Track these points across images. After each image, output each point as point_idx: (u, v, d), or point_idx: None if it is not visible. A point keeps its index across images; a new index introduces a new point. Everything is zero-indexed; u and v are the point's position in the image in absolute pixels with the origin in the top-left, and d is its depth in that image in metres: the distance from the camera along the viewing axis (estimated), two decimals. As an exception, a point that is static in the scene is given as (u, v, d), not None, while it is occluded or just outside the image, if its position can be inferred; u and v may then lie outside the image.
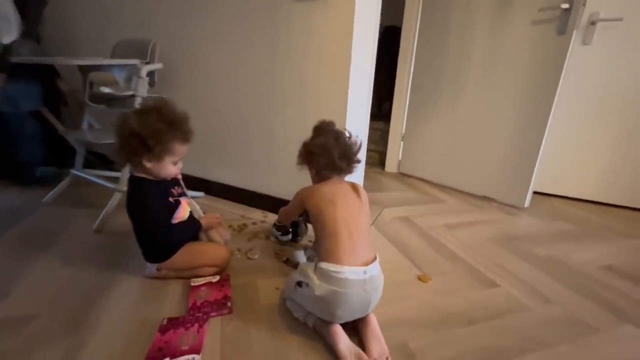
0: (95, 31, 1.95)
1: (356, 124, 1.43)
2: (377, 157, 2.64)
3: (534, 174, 1.77)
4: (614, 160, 1.89)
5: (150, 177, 1.03)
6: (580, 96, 1.88)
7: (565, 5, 1.55)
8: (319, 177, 1.07)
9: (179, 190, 1.12)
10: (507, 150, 1.86)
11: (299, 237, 1.36)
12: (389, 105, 2.46)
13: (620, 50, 1.77)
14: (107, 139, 1.38)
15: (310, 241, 1.37)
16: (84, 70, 1.53)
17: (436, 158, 2.19)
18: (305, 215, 1.13)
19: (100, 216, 1.38)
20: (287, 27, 1.38)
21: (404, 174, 2.40)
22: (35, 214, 1.50)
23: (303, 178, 1.12)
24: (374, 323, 0.87)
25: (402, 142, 2.39)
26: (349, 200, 0.97)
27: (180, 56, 1.68)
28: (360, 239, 0.88)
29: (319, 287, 0.82)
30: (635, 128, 1.81)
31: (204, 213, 1.37)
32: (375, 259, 0.87)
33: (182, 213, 1.08)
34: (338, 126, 1.10)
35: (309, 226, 1.37)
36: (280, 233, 1.35)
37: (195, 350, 0.80)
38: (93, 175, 1.57)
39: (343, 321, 0.86)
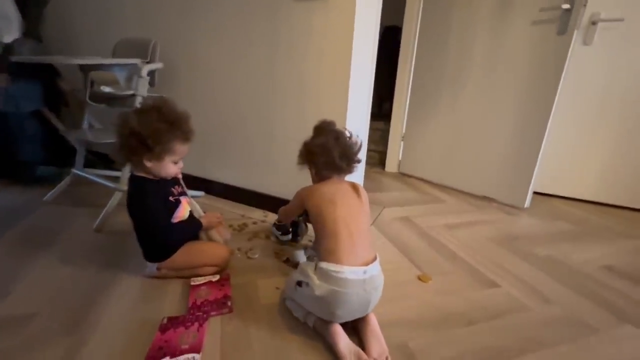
0: (95, 31, 1.95)
1: (356, 123, 1.43)
2: (378, 157, 2.64)
3: (534, 174, 1.77)
4: (614, 160, 1.89)
5: (151, 177, 1.03)
6: (580, 96, 1.88)
7: (566, 6, 1.55)
8: (319, 176, 1.07)
9: (179, 190, 1.12)
10: (508, 151, 1.86)
11: (299, 237, 1.36)
12: (389, 105, 2.46)
13: (621, 51, 1.77)
14: (107, 139, 1.38)
15: (310, 241, 1.37)
16: (85, 69, 1.53)
17: (436, 158, 2.19)
18: (305, 215, 1.13)
19: (101, 215, 1.38)
20: (288, 26, 1.38)
21: (404, 174, 2.40)
22: (35, 213, 1.50)
23: (303, 178, 1.12)
24: (373, 323, 0.87)
25: (402, 142, 2.39)
26: (349, 200, 0.97)
27: (180, 55, 1.68)
28: (360, 239, 0.89)
29: (319, 286, 0.82)
30: (635, 128, 1.81)
31: (204, 212, 1.37)
32: (375, 258, 0.87)
33: (183, 212, 1.08)
34: (338, 126, 1.10)
35: (309, 226, 1.37)
36: (280, 233, 1.35)
37: (195, 349, 0.80)
38: (93, 175, 1.57)
39: (343, 321, 0.86)
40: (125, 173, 1.43)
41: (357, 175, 1.46)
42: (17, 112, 1.66)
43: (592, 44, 1.80)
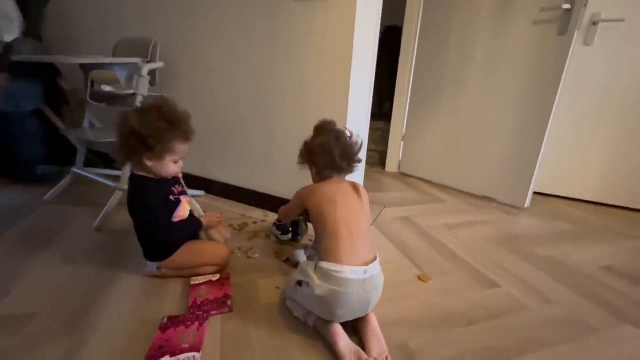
0: (96, 30, 1.95)
1: (357, 123, 1.43)
2: (378, 157, 2.64)
3: (535, 174, 1.77)
4: (614, 160, 1.89)
5: (151, 176, 1.03)
6: (580, 96, 1.88)
7: (567, 6, 1.55)
8: (320, 176, 1.07)
9: (180, 189, 1.12)
10: (508, 151, 1.86)
11: (299, 237, 1.36)
12: (389, 105, 2.46)
13: (621, 51, 1.76)
14: (108, 138, 1.38)
15: (311, 240, 1.37)
16: (86, 68, 1.53)
17: (437, 158, 2.19)
18: (306, 215, 1.13)
19: (101, 215, 1.38)
20: (288, 26, 1.38)
21: (404, 174, 2.40)
22: (36, 213, 1.50)
23: (303, 177, 1.12)
24: (374, 322, 0.87)
25: (402, 142, 2.39)
26: (349, 199, 0.97)
27: (181, 55, 1.68)
28: (361, 239, 0.89)
29: (319, 286, 0.82)
30: (635, 128, 1.81)
31: (205, 212, 1.37)
32: (375, 258, 0.87)
33: (183, 212, 1.08)
34: (339, 126, 1.10)
35: (309, 225, 1.37)
36: (280, 232, 1.35)
37: (196, 348, 0.80)
38: (94, 174, 1.57)
39: (343, 320, 0.86)
40: (125, 172, 1.43)
41: (358, 175, 1.46)
42: (17, 112, 1.66)
43: (593, 44, 1.80)
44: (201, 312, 0.93)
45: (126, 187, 1.22)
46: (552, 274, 1.23)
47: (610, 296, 1.12)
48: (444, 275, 1.19)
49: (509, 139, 1.85)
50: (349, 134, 1.06)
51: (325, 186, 1.00)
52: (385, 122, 2.56)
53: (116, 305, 0.96)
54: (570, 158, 1.98)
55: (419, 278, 1.17)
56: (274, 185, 1.61)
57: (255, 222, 1.53)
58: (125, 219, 1.07)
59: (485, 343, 0.89)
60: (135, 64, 1.47)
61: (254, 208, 1.67)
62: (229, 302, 0.98)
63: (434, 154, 2.21)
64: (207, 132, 1.69)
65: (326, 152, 1.01)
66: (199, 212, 1.43)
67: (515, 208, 1.85)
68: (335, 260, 0.83)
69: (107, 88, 1.46)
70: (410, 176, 2.35)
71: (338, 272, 0.81)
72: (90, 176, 1.56)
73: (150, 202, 1.01)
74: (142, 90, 1.41)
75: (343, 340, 0.82)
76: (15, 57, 1.52)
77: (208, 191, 1.80)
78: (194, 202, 1.44)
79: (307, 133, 1.11)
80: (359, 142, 1.06)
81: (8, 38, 1.65)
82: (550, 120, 1.69)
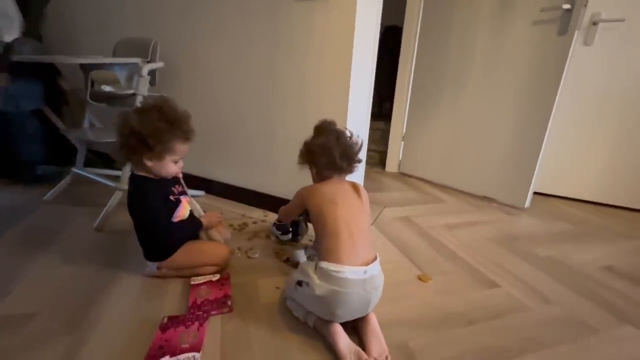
0: (96, 30, 1.95)
1: (357, 123, 1.43)
2: (378, 157, 2.64)
3: (535, 174, 1.77)
4: (614, 160, 1.89)
5: (151, 176, 1.03)
6: (580, 96, 1.88)
7: (567, 6, 1.55)
8: (320, 176, 1.07)
9: (180, 189, 1.12)
10: (508, 151, 1.86)
11: (299, 237, 1.36)
12: (389, 105, 2.46)
13: (621, 51, 1.76)
14: (108, 138, 1.38)
15: (311, 240, 1.37)
16: (86, 68, 1.53)
17: (437, 158, 2.19)
18: (306, 215, 1.13)
19: (101, 215, 1.38)
20: (288, 26, 1.38)
21: (404, 174, 2.40)
22: (36, 213, 1.50)
23: (303, 177, 1.12)
24: (374, 322, 0.87)
25: (402, 142, 2.39)
26: (349, 199, 0.97)
27: (181, 55, 1.68)
28: (361, 239, 0.89)
29: (319, 286, 0.82)
30: (635, 128, 1.81)
31: (205, 212, 1.37)
32: (375, 258, 0.87)
33: (183, 212, 1.08)
34: (339, 126, 1.10)
35: (309, 225, 1.37)
36: (280, 232, 1.35)
37: (196, 348, 0.80)
38: (94, 174, 1.57)
39: (343, 320, 0.86)
40: (125, 172, 1.43)
41: (358, 175, 1.46)
42: (17, 112, 1.66)
43: (593, 44, 1.80)
44: (201, 312, 0.93)
45: (126, 187, 1.22)
46: (552, 274, 1.23)
47: (610, 296, 1.12)
48: (444, 275, 1.19)
49: (509, 139, 1.85)
50: (349, 134, 1.06)
51: (325, 186, 1.00)
52: (385, 122, 2.56)
53: (116, 305, 0.96)
54: (570, 158, 1.98)
55: (419, 278, 1.17)
56: (274, 185, 1.61)
57: (255, 222, 1.53)
58: (125, 219, 1.07)
59: (485, 343, 0.89)
60: (135, 64, 1.47)
61: (254, 208, 1.67)
62: (229, 302, 0.98)
63: (434, 154, 2.20)
64: (207, 132, 1.69)
65: (326, 152, 1.01)
66: (199, 212, 1.43)
67: (515, 208, 1.85)
68: (335, 260, 0.83)
69: (107, 88, 1.46)
70: (410, 176, 2.35)
71: (338, 272, 0.81)
72: (90, 176, 1.56)
73: (150, 202, 1.01)
74: (142, 90, 1.41)
75: (343, 340, 0.82)
76: (15, 57, 1.53)
77: (208, 191, 1.80)
78: (194, 202, 1.44)
79: (307, 133, 1.11)
80: (359, 142, 1.06)
81: (8, 38, 1.65)
82: (550, 120, 1.69)
